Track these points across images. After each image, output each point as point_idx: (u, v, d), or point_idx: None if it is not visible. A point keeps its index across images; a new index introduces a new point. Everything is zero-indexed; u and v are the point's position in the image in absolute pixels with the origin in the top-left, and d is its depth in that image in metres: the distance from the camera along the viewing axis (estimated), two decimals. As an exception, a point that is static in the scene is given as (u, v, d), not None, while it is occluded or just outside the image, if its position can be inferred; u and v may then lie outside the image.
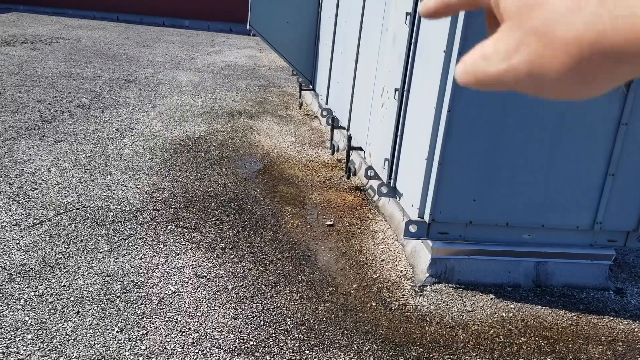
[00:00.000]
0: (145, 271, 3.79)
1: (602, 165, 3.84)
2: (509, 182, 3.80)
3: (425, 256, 4.05)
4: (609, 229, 4.02)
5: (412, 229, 3.86)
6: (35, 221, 4.33)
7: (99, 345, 3.04)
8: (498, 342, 3.41)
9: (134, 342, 3.08)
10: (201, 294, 3.59)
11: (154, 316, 3.32)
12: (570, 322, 3.69)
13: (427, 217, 3.83)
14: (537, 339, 3.48)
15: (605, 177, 3.86)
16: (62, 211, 4.54)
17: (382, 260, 4.26)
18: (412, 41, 4.08)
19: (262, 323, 3.36)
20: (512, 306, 3.80)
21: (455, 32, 3.49)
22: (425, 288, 3.90)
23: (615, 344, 3.52)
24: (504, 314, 3.70)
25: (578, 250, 4.09)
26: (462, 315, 3.64)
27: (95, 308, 3.35)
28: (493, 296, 3.89)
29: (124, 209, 4.69)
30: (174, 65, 11.41)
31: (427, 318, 3.58)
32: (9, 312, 3.24)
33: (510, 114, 3.65)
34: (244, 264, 4.01)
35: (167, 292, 3.57)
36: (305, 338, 3.27)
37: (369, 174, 4.84)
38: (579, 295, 4.03)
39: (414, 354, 3.23)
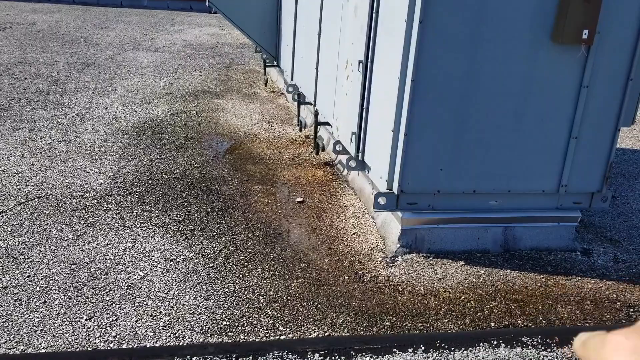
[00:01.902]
0: (112, 257, 3.71)
1: (565, 129, 3.88)
2: (474, 150, 3.82)
3: (396, 227, 4.06)
4: (574, 191, 4.08)
5: (382, 201, 3.86)
6: (-5, 212, 4.19)
7: (68, 334, 2.97)
8: (469, 308, 3.46)
9: (103, 329, 3.03)
10: (171, 277, 3.54)
11: (123, 302, 3.26)
12: (539, 284, 3.76)
13: (395, 189, 3.83)
14: (507, 302, 3.54)
15: (568, 140, 3.91)
16: (24, 200, 4.40)
17: (354, 233, 4.26)
18: (374, 11, 4.03)
19: (234, 302, 3.33)
20: (482, 272, 3.85)
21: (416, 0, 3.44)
22: (396, 259, 3.92)
23: (583, 303, 3.60)
24: (474, 280, 3.74)
25: (544, 214, 4.15)
26: (434, 283, 3.68)
27: (62, 297, 3.27)
28: (463, 263, 3.93)
29: (87, 195, 4.57)
30: (133, 47, 11.12)
31: (399, 288, 3.60)
32: (-28, 306, 3.14)
33: (475, 82, 3.64)
34: (214, 244, 3.96)
35: (135, 277, 3.51)
36: (279, 315, 3.26)
37: (337, 148, 4.81)
38: (547, 258, 4.10)
39: (387, 323, 3.25)
